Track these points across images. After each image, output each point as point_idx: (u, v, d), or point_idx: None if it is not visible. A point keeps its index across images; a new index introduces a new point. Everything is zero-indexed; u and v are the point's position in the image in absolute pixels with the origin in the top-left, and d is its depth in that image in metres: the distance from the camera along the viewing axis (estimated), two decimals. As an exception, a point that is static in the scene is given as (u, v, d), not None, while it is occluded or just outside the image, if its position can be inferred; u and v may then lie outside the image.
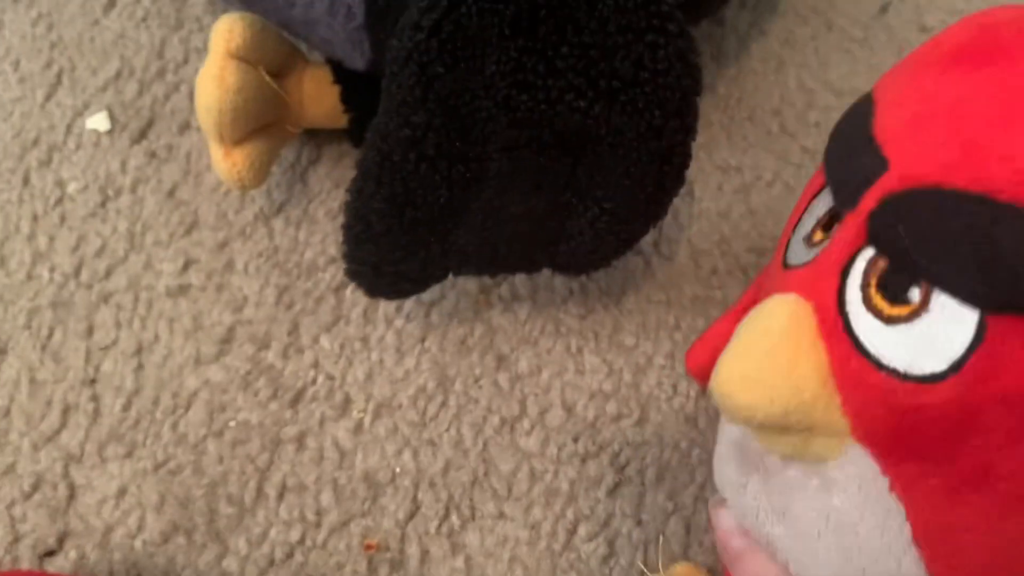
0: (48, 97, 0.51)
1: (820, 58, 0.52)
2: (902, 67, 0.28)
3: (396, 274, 0.38)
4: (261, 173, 0.42)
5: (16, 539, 0.40)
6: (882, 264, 0.25)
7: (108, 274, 0.46)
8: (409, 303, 0.45)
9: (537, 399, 0.43)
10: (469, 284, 0.46)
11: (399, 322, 0.45)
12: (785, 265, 0.29)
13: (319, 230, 0.47)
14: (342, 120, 0.45)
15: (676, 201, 0.37)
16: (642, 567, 0.40)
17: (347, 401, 0.43)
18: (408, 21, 0.32)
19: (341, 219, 0.46)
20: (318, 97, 0.44)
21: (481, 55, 0.32)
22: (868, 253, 0.25)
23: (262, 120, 0.42)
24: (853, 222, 0.25)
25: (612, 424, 0.43)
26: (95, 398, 0.43)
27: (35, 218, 0.47)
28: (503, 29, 0.32)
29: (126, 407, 0.43)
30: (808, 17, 0.53)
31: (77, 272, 0.46)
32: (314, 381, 0.43)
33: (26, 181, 0.48)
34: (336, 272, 0.46)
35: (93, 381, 0.44)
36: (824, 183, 0.29)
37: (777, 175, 0.49)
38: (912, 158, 0.24)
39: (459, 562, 0.40)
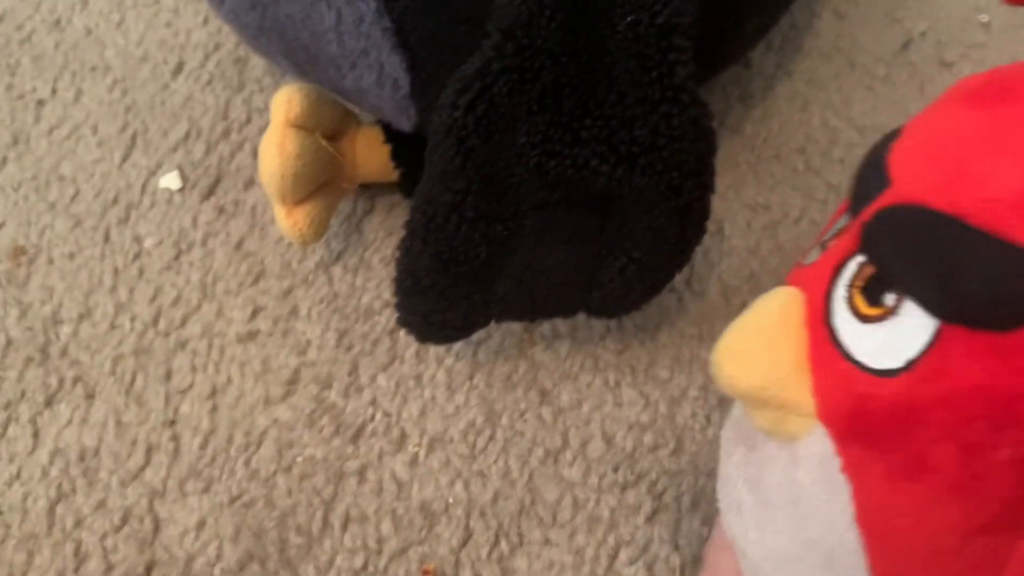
0: (124, 158, 0.55)
1: (843, 96, 0.54)
2: (930, 106, 0.31)
3: (443, 323, 0.41)
4: (320, 228, 0.46)
5: (109, 568, 0.45)
6: (869, 270, 0.28)
7: (184, 322, 0.50)
8: (458, 343, 0.49)
9: (578, 431, 0.46)
10: (513, 324, 0.49)
11: (449, 360, 0.48)
12: (800, 265, 0.33)
13: (375, 276, 0.50)
14: (393, 175, 0.49)
15: (706, 239, 0.40)
16: (681, 587, 0.43)
17: (403, 436, 0.47)
18: (446, 100, 0.36)
19: (393, 270, 0.50)
20: (370, 155, 0.48)
21: (512, 128, 0.35)
22: (860, 259, 0.28)
23: (320, 180, 0.46)
24: (852, 230, 0.29)
25: (649, 454, 0.46)
26: (175, 438, 0.47)
27: (116, 272, 0.52)
28: (531, 106, 0.35)
29: (203, 445, 0.47)
30: (831, 55, 0.56)
31: (155, 321, 0.50)
32: (373, 418, 0.47)
33: (107, 238, 0.53)
34: (391, 316, 0.49)
35: (173, 422, 0.48)
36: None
37: (804, 211, 0.51)
38: (908, 179, 0.28)
39: (509, 585, 0.44)
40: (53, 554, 0.45)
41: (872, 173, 0.30)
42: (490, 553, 0.44)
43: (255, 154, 0.55)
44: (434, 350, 0.49)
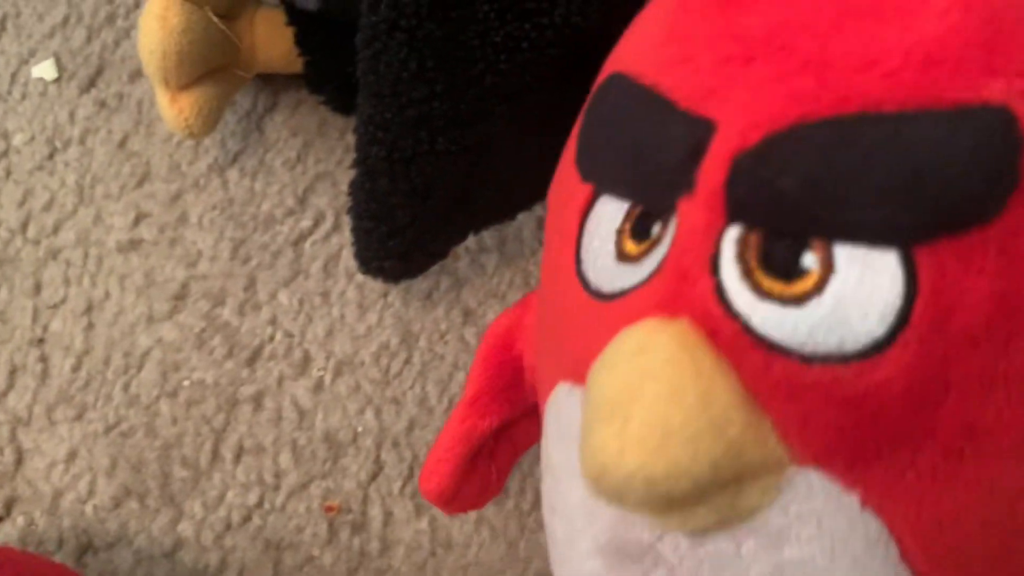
0: (-9, 45, 0.49)
1: None
2: (639, 29, 0.25)
3: (424, 256, 0.38)
4: (210, 120, 0.41)
5: (-39, 506, 0.39)
6: (755, 239, 0.20)
7: (56, 229, 0.45)
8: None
9: (505, 354, 0.42)
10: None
11: (360, 276, 0.43)
12: (600, 297, 0.24)
13: (276, 180, 0.45)
14: (297, 65, 0.43)
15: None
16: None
17: (306, 359, 0.42)
18: None
19: (299, 169, 0.45)
20: (271, 40, 0.43)
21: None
22: (733, 233, 0.21)
23: (210, 64, 0.40)
24: (697, 206, 0.21)
25: (583, 379, 0.42)
26: (43, 358, 0.43)
27: (-21, 172, 0.46)
28: None
29: (76, 367, 0.42)
30: None
31: (24, 227, 0.45)
32: (272, 338, 0.43)
33: (-31, 132, 0.46)
34: (294, 225, 0.44)
35: (41, 341, 0.43)
36: (593, 194, 0.25)
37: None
38: (749, 106, 0.21)
39: (423, 523, 0.40)
40: None
41: (658, 128, 0.23)
42: (403, 487, 0.41)
43: (142, 42, 0.49)
44: (344, 265, 0.44)
